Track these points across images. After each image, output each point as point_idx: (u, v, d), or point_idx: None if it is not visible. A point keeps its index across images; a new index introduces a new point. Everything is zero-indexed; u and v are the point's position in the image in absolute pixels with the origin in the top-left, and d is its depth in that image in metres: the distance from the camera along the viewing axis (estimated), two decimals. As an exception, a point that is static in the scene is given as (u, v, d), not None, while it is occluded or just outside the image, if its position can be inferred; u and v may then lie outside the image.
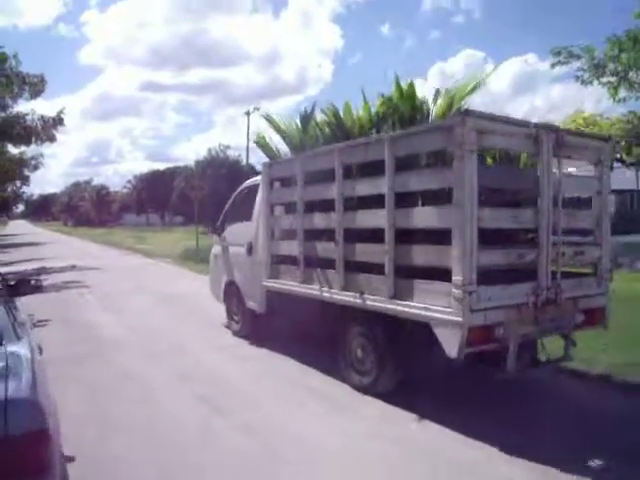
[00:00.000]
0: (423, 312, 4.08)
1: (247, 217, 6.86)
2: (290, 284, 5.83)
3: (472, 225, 3.77)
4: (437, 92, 4.96)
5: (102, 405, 4.67)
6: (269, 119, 6.04)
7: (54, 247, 28.76)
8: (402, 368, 4.61)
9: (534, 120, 4.41)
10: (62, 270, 16.09)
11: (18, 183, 42.46)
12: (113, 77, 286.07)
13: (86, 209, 75.52)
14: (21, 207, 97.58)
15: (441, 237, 3.99)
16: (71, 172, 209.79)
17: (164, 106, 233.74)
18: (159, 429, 4.19)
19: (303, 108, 5.84)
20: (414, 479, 3.44)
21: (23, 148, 23.12)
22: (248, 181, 7.19)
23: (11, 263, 19.05)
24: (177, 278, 14.38)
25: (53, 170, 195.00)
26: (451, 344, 3.85)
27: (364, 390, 4.83)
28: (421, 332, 4.14)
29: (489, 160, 4.90)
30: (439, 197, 4.09)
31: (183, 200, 42.81)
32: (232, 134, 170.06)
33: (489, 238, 4.02)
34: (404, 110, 4.80)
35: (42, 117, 17.13)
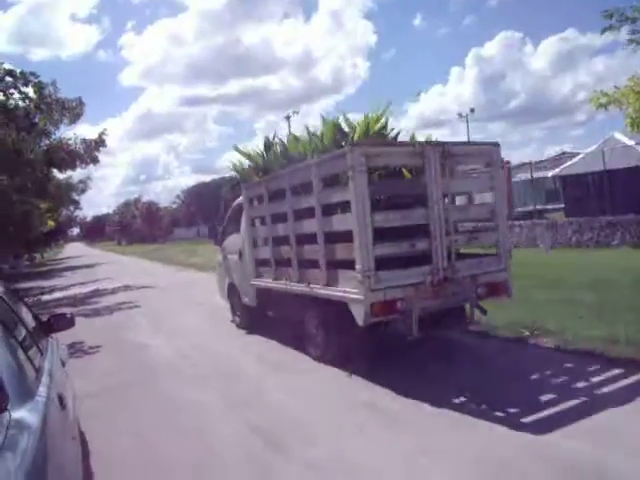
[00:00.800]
0: (342, 294, 5.51)
1: (237, 229, 8.47)
2: (268, 281, 7.38)
3: (366, 226, 5.15)
4: (358, 124, 6.37)
5: (149, 442, 4.49)
6: (237, 149, 7.67)
7: (108, 267, 30.18)
8: (341, 341, 6.01)
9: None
10: (114, 291, 16.82)
11: (72, 207, 46.82)
12: (154, 96, 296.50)
13: (138, 226, 79.93)
14: (76, 230, 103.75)
15: (349, 237, 5.40)
16: (121, 192, 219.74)
17: (205, 119, 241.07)
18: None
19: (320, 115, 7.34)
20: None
21: (69, 173, 24.59)
22: (238, 199, 8.77)
23: (66, 287, 20.47)
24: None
25: (104, 191, 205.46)
26: (359, 316, 5.25)
27: (318, 359, 6.28)
28: (346, 310, 5.57)
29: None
30: (346, 207, 5.50)
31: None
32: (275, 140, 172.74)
33: (389, 234, 5.40)
34: (327, 141, 6.26)
35: (84, 140, 17.97)
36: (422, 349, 6.01)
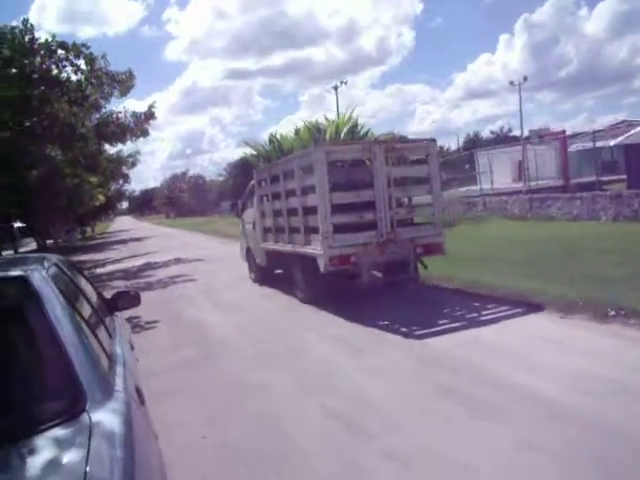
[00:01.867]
0: (312, 251, 7.90)
1: (252, 204, 10.99)
2: (270, 244, 9.86)
3: (325, 203, 7.49)
4: (328, 123, 8.71)
5: (220, 425, 4.39)
6: (247, 143, 10.26)
7: (157, 240, 31.08)
8: (315, 286, 8.38)
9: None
10: (166, 264, 17.23)
11: (120, 181, 49.09)
12: (198, 70, 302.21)
13: (185, 200, 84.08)
14: (125, 204, 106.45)
15: (316, 210, 7.74)
16: (168, 165, 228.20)
17: (250, 92, 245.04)
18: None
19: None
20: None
21: (120, 147, 25.24)
22: (252, 181, 11.25)
23: (118, 260, 21.48)
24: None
25: (152, 166, 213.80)
26: (321, 266, 7.63)
27: (303, 301, 8.73)
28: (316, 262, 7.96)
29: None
30: (314, 189, 7.84)
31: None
32: (319, 112, 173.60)
33: (346, 209, 7.71)
34: (306, 140, 8.65)
35: (134, 113, 18.22)
36: (379, 294, 8.35)
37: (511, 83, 48.18)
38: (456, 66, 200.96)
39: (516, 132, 58.63)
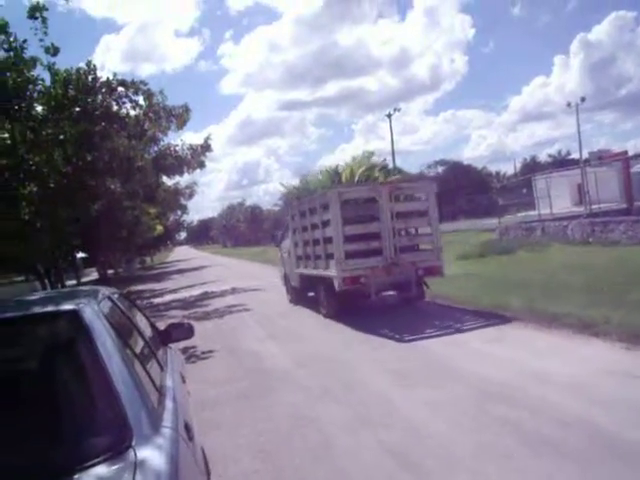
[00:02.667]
0: (330, 274, 9.80)
1: (288, 236, 13.08)
2: (303, 270, 11.82)
3: (339, 234, 9.39)
4: (342, 170, 10.74)
5: (273, 459, 4.41)
6: (282, 184, 12.51)
7: (215, 270, 31.69)
8: (335, 303, 10.22)
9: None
10: (223, 294, 17.76)
11: (178, 212, 50.88)
12: (253, 102, 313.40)
13: (242, 229, 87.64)
14: (183, 234, 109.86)
15: (332, 240, 9.67)
16: (225, 196, 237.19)
17: (304, 122, 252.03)
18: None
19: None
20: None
21: (177, 178, 26.42)
22: (288, 215, 13.30)
23: (176, 290, 22.01)
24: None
25: (209, 196, 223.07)
26: (336, 285, 9.51)
27: (325, 316, 10.58)
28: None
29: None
30: (331, 223, 9.77)
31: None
32: (372, 140, 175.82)
33: (357, 238, 9.59)
34: (326, 181, 10.68)
35: (191, 146, 19.20)
36: (386, 309, 10.13)
37: (568, 105, 47.54)
38: (511, 90, 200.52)
39: (575, 155, 58.01)
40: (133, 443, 1.72)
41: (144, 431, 1.81)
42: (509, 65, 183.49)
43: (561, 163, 56.60)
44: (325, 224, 10.09)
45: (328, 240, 9.94)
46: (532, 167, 61.32)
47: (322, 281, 10.52)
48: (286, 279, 13.77)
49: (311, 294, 12.30)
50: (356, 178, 10.52)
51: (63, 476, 1.60)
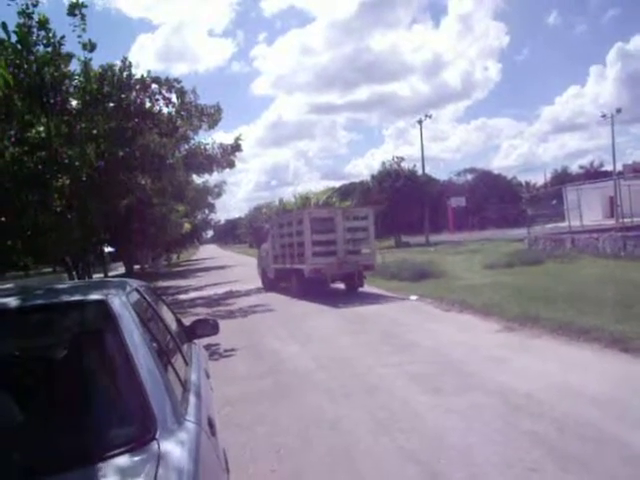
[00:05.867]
0: (301, 266, 15.24)
1: (266, 240, 19.06)
2: (278, 265, 17.48)
3: (309, 240, 14.80)
4: (312, 196, 16.93)
5: (295, 461, 4.51)
6: (280, 201, 18.72)
7: (240, 269, 32.06)
8: (302, 287, 15.67)
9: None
10: (248, 293, 18.68)
11: (206, 210, 54.49)
12: (284, 104, 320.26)
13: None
14: (210, 232, 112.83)
15: (304, 244, 15.28)
16: (253, 197, 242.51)
17: (334, 126, 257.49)
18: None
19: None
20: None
21: (206, 177, 27.67)
22: (266, 225, 19.26)
23: (201, 288, 23.03)
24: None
25: (237, 196, 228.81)
26: (306, 273, 14.97)
27: (293, 297, 15.97)
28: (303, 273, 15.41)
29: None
30: (303, 232, 15.35)
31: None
32: (403, 146, 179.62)
33: (319, 243, 15.39)
34: (299, 204, 16.97)
35: (221, 145, 20.19)
36: (342, 294, 15.60)
37: (603, 116, 48.64)
38: (543, 99, 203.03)
39: (608, 167, 59.15)
40: (157, 435, 1.78)
41: (168, 424, 1.88)
42: (543, 74, 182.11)
43: (593, 175, 57.28)
44: (299, 233, 15.47)
45: (301, 244, 15.35)
46: (563, 178, 62.04)
47: (295, 272, 15.85)
48: (263, 273, 19.51)
49: (283, 285, 17.57)
50: (320, 202, 16.67)
51: (88, 464, 1.67)
